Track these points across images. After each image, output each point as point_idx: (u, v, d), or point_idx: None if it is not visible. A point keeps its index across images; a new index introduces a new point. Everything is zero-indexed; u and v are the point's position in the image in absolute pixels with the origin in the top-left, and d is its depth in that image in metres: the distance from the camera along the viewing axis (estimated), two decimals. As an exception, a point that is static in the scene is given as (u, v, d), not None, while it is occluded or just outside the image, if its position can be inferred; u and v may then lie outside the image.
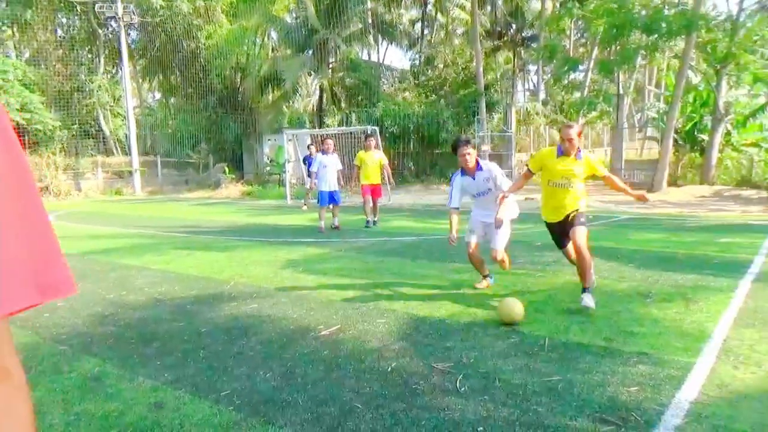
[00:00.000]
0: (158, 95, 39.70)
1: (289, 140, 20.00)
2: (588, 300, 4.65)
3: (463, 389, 3.19)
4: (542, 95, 34.75)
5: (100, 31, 28.28)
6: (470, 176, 5.42)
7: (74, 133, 26.67)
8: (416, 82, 28.05)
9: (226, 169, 27.29)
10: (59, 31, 29.27)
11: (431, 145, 25.20)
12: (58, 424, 2.87)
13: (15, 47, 28.05)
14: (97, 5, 25.05)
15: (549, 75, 34.34)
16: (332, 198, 10.81)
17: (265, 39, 30.32)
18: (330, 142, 10.99)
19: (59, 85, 26.93)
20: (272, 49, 31.87)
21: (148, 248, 8.89)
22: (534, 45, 29.23)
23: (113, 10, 24.91)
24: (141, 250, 8.64)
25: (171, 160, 30.32)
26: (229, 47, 27.12)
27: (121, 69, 28.05)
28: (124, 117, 28.21)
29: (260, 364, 3.66)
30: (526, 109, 28.90)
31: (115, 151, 28.98)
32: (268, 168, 26.06)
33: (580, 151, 4.95)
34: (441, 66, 27.52)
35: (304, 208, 15.59)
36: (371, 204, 11.13)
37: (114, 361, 3.78)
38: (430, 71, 27.22)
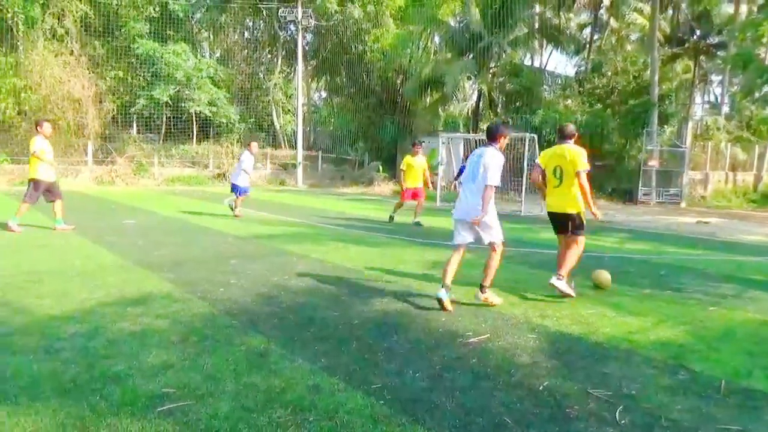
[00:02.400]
0: (324, 94, 42.27)
1: (444, 143, 20.15)
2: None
3: (623, 422, 2.97)
4: (725, 109, 31.19)
5: (280, 33, 30.82)
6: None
7: (250, 126, 29.41)
8: (581, 89, 26.70)
9: (380, 168, 28.28)
10: (246, 34, 32.40)
11: (592, 157, 23.80)
12: (230, 392, 3.17)
13: (209, 48, 31.59)
14: (280, 10, 27.33)
15: (737, 86, 30.68)
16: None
17: (428, 43, 30.84)
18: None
19: (241, 83, 29.85)
20: (434, 53, 32.33)
21: (308, 237, 9.51)
22: (721, 53, 26.34)
23: (294, 14, 27.01)
24: (302, 239, 9.26)
25: (330, 155, 32.13)
26: (394, 50, 28.01)
27: (295, 69, 30.30)
28: (294, 113, 30.44)
29: (410, 363, 3.73)
30: (705, 123, 26.18)
31: (282, 144, 31.40)
32: (420, 169, 26.50)
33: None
34: (609, 73, 25.89)
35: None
36: (421, 205, 12.20)
37: (277, 340, 4.09)
38: (596, 79, 25.74)
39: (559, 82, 29.59)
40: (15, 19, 22.55)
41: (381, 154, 30.00)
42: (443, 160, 20.48)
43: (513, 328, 4.59)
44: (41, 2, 23.36)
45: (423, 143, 12.72)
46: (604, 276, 6.23)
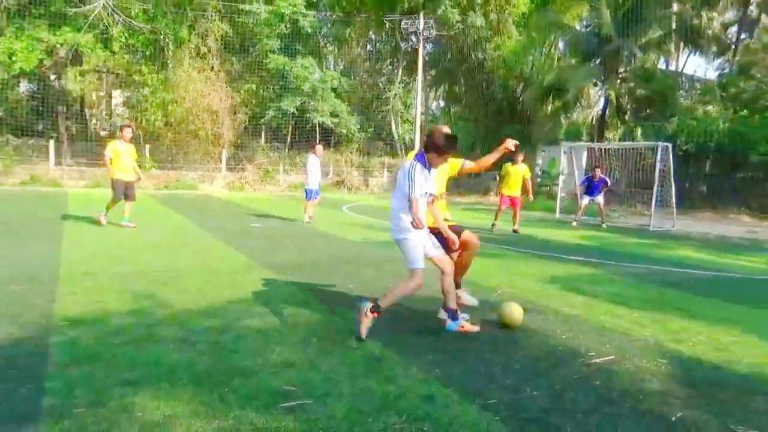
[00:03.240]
0: (442, 103, 42.41)
1: (565, 153, 19.33)
2: None
3: (774, 468, 2.63)
4: None
5: (402, 44, 31.42)
6: (428, 169, 4.37)
7: (369, 135, 30.21)
8: (723, 94, 24.41)
9: (497, 176, 27.74)
10: (369, 46, 33.42)
11: (734, 168, 21.70)
12: (347, 394, 3.25)
13: (334, 60, 33.00)
14: (402, 21, 27.88)
15: None
16: None
17: (552, 49, 29.87)
18: None
19: (363, 93, 30.80)
20: (557, 59, 31.24)
21: (423, 246, 9.53)
22: None
23: (415, 25, 27.42)
24: (417, 247, 9.30)
25: (447, 164, 32.08)
26: (515, 57, 27.46)
27: (415, 79, 30.72)
28: (412, 123, 30.83)
29: (527, 379, 3.59)
30: None
31: (399, 153, 31.90)
32: (538, 179, 25.68)
33: None
34: (759, 76, 23.42)
35: (574, 224, 15.01)
36: (518, 214, 12.35)
37: (393, 347, 4.13)
38: (742, 82, 23.40)
39: (698, 86, 27.31)
40: (166, 39, 25.08)
41: (499, 163, 29.42)
42: (564, 170, 19.66)
43: (641, 351, 4.26)
44: (189, 24, 25.78)
45: (519, 152, 12.34)
46: (512, 312, 4.78)
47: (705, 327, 5.04)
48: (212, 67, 26.50)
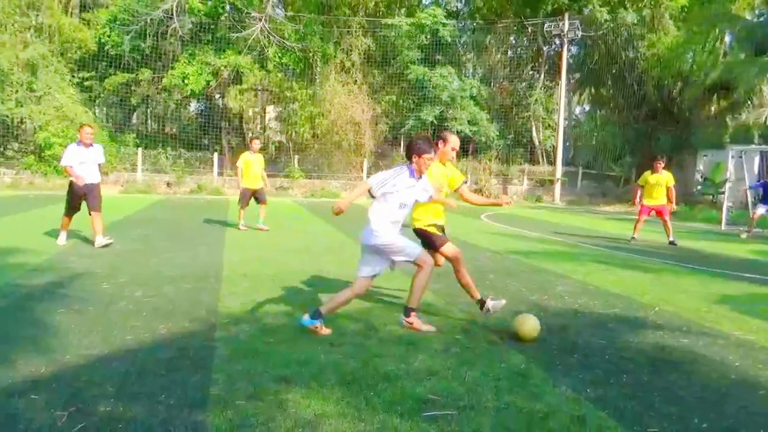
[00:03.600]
0: (587, 107, 40.26)
1: (734, 157, 17.33)
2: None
3: None
4: None
5: (544, 48, 30.40)
6: (416, 179, 4.43)
7: (509, 142, 29.55)
8: None
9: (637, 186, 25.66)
10: (509, 52, 32.77)
11: None
12: (491, 408, 3.15)
13: (473, 68, 32.81)
14: (546, 24, 26.98)
15: None
16: None
17: (717, 43, 27.04)
18: None
19: (502, 100, 30.24)
20: (723, 54, 28.22)
21: (566, 257, 9.09)
22: None
23: (560, 27, 26.38)
24: (560, 258, 8.89)
25: (592, 172, 30.38)
26: (673, 55, 25.27)
27: (558, 83, 29.55)
28: (554, 129, 29.64)
29: (694, 409, 3.23)
30: None
31: (540, 160, 30.81)
32: (699, 186, 23.31)
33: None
34: None
35: (744, 236, 13.42)
36: (668, 223, 11.51)
37: (538, 361, 3.95)
38: None
39: None
40: (315, 57, 26.70)
41: (639, 171, 27.26)
42: (731, 177, 17.62)
43: (840, 388, 3.64)
44: (335, 41, 27.22)
45: (660, 159, 12.02)
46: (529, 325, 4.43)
47: None
48: (355, 81, 27.67)
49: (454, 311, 5.30)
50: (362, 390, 3.34)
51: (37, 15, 23.95)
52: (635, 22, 25.95)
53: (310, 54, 26.65)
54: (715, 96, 24.88)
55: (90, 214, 8.39)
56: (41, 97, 23.34)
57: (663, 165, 11.76)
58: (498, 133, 28.22)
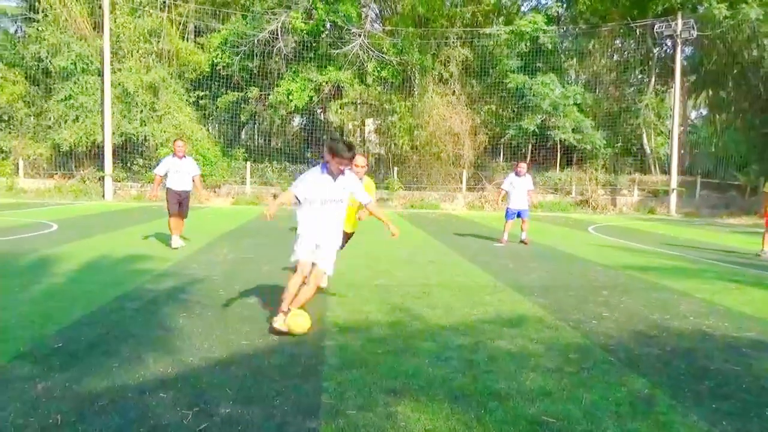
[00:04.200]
0: (704, 112, 37.41)
1: None
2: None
3: None
4: None
5: (654, 50, 28.66)
6: (332, 177, 4.69)
7: (617, 151, 28.06)
8: None
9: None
10: (615, 56, 31.21)
11: None
12: (613, 435, 2.94)
13: (575, 74, 31.56)
14: (656, 26, 25.42)
15: None
16: None
17: None
18: None
19: (609, 107, 28.80)
20: None
21: (689, 273, 8.40)
22: None
23: (672, 28, 24.77)
24: (681, 274, 8.24)
25: (712, 181, 28.10)
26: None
27: (671, 87, 27.70)
28: (667, 135, 27.78)
29: None
30: None
31: (652, 169, 28.95)
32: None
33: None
34: None
35: None
36: None
37: (664, 387, 3.64)
38: None
39: None
40: (413, 69, 26.95)
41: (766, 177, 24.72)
42: None
43: None
44: (432, 53, 27.33)
45: None
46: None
47: None
48: (453, 92, 27.57)
49: (565, 327, 5.05)
50: (472, 407, 3.24)
51: (158, 41, 26.13)
52: (760, 18, 23.74)
53: (409, 66, 26.92)
54: None
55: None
56: (162, 116, 25.39)
57: None
58: (605, 141, 26.87)
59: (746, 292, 6.97)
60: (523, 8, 30.42)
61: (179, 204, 9.61)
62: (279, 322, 4.53)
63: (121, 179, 25.40)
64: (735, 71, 27.15)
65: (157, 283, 6.50)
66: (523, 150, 28.67)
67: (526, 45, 26.76)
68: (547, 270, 8.45)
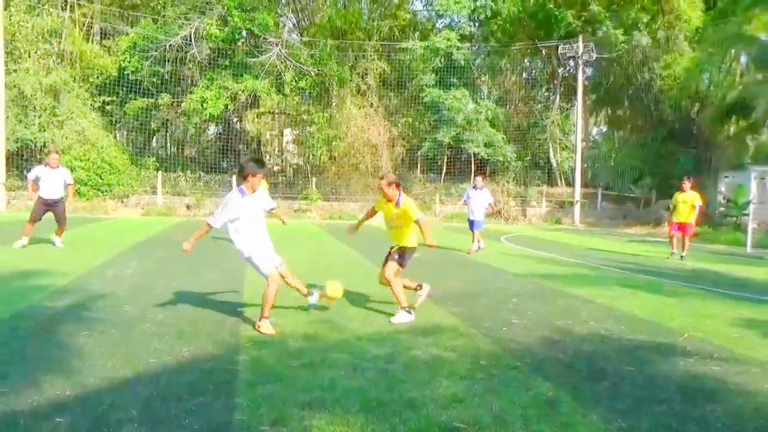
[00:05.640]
0: (604, 128, 40.08)
1: (756, 178, 17.07)
2: (398, 317, 5.60)
3: None
4: None
5: (559, 70, 30.44)
6: (250, 195, 5.22)
7: (526, 164, 29.43)
8: None
9: (669, 206, 25.36)
10: (524, 74, 32.85)
11: None
12: (520, 437, 3.08)
13: (488, 90, 32.89)
14: (560, 47, 27.04)
15: None
16: None
17: (733, 63, 26.94)
18: None
19: (518, 122, 30.23)
20: (740, 74, 28.06)
21: (590, 280, 8.95)
22: None
23: (573, 49, 26.43)
24: (583, 281, 8.75)
25: (611, 193, 30.10)
26: (689, 76, 25.16)
27: (574, 105, 29.49)
28: (572, 150, 29.51)
29: (732, 442, 3.12)
30: None
31: (558, 182, 30.62)
32: (722, 209, 22.94)
33: (399, 198, 5.80)
34: None
35: (772, 259, 13.15)
36: (680, 238, 12.59)
37: (566, 389, 3.85)
38: None
39: None
40: (331, 81, 27.01)
41: (671, 191, 26.89)
42: (755, 198, 17.34)
43: None
44: (350, 65, 27.54)
45: (688, 178, 13.14)
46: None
47: None
48: (371, 104, 27.88)
49: (477, 335, 5.22)
50: (387, 417, 3.28)
51: (59, 42, 24.56)
52: (649, 44, 25.89)
53: (327, 78, 26.94)
54: (733, 116, 24.59)
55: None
56: (63, 121, 23.82)
57: (690, 185, 12.75)
58: (515, 155, 28.13)
59: (640, 297, 7.52)
60: (438, 25, 31.29)
61: (46, 212, 10.56)
62: (264, 327, 5.04)
63: (17, 188, 23.51)
64: (630, 92, 29.31)
65: (55, 300, 6.06)
66: (439, 162, 29.45)
67: (441, 61, 27.55)
68: (462, 279, 8.71)
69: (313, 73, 26.42)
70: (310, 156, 28.06)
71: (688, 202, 12.53)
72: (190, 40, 25.03)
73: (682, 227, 12.61)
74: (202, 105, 25.34)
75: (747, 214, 17.14)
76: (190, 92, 25.87)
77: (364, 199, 26.72)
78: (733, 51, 25.68)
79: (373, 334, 5.13)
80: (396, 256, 5.91)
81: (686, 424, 3.34)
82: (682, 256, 12.44)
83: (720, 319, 6.28)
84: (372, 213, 6.50)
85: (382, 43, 28.12)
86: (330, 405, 3.43)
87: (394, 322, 5.55)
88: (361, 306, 6.34)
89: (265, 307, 5.11)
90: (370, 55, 27.75)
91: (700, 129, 26.29)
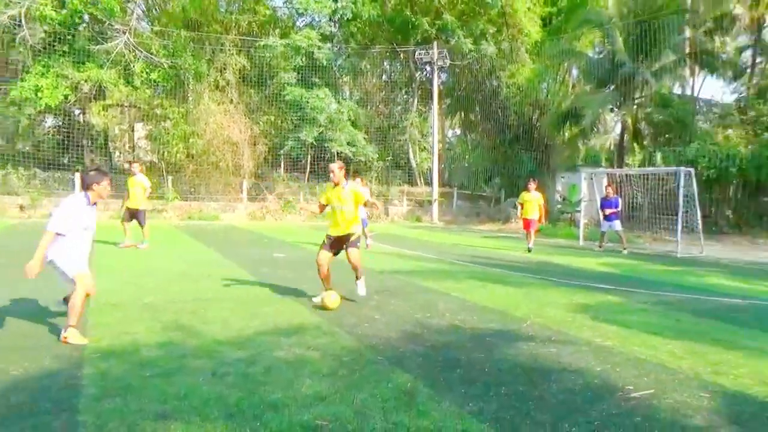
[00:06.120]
0: (458, 131, 42.59)
1: (585, 179, 19.21)
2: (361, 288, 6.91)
3: None
4: None
5: (416, 74, 31.76)
6: (91, 205, 4.96)
7: (388, 164, 30.34)
8: (743, 117, 24.20)
9: (516, 205, 27.64)
10: (384, 76, 33.82)
11: (758, 192, 21.41)
12: (379, 429, 3.17)
13: (349, 91, 33.39)
14: (416, 52, 28.23)
15: None
16: None
17: (566, 76, 30.03)
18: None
19: (380, 123, 31.06)
20: (572, 86, 31.40)
21: (447, 275, 9.47)
22: None
23: (429, 55, 27.74)
24: (441, 276, 9.24)
25: (466, 192, 32.07)
26: (530, 85, 27.59)
27: (431, 108, 30.97)
28: (430, 151, 30.96)
29: (564, 415, 3.48)
30: None
31: (418, 181, 31.96)
32: (559, 206, 25.49)
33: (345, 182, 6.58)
34: (778, 99, 23.21)
35: (599, 249, 14.94)
36: (532, 234, 14.08)
37: (424, 379, 4.05)
38: (762, 105, 23.15)
39: (716, 110, 27.18)
40: (186, 74, 25.64)
41: (517, 190, 29.31)
42: (585, 197, 19.50)
43: (681, 385, 4.12)
44: (207, 59, 26.37)
45: (534, 180, 14.94)
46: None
47: (746, 359, 4.87)
48: (231, 100, 26.97)
49: (340, 332, 5.29)
50: (248, 421, 3.21)
51: None
52: (495, 54, 28.01)
53: (182, 71, 25.53)
54: (567, 123, 27.43)
55: None
56: None
57: (535, 186, 14.32)
58: (377, 155, 28.86)
59: (490, 289, 8.11)
60: (298, 23, 31.09)
61: None
62: (72, 336, 4.59)
63: None
64: (480, 97, 31.45)
65: None
66: (303, 161, 29.28)
67: (302, 59, 27.42)
68: (325, 278, 8.73)
69: (166, 65, 24.86)
70: (165, 153, 26.40)
71: (533, 201, 14.03)
72: (20, 21, 22.32)
73: (527, 223, 14.11)
74: (36, 94, 22.68)
75: (579, 211, 19.19)
76: (22, 80, 23.06)
77: (225, 198, 25.78)
78: (566, 64, 28.67)
79: (233, 337, 4.98)
80: (356, 244, 6.79)
81: (527, 403, 3.67)
82: (529, 249, 13.85)
83: (557, 305, 6.98)
84: (322, 208, 6.88)
85: (241, 38, 27.28)
86: (187, 414, 3.27)
87: (362, 294, 6.86)
88: (221, 310, 6.11)
89: (72, 314, 4.65)
90: (229, 50, 26.81)
91: (540, 134, 28.95)
